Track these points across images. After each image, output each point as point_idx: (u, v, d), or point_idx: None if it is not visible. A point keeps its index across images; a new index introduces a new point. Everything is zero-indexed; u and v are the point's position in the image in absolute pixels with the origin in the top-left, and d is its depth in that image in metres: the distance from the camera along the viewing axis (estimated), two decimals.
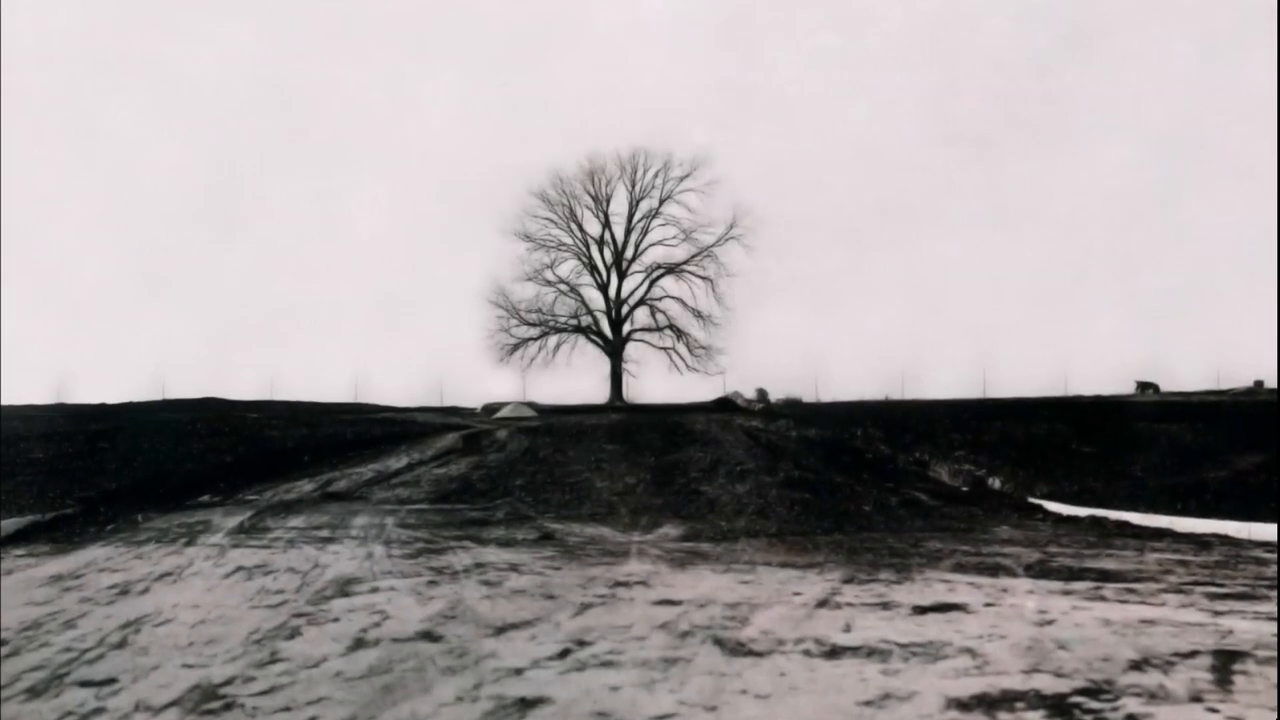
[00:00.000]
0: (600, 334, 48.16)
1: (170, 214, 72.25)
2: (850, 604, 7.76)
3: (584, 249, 48.42)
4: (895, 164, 70.93)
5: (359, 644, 6.58)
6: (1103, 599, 7.93)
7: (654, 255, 48.61)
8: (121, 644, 6.64)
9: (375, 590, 8.41)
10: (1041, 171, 68.41)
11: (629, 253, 48.30)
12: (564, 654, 6.30)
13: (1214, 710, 5.09)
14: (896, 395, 43.58)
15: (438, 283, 70.66)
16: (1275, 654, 6.06)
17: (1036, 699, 5.29)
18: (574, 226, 48.30)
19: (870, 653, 6.27)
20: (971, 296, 68.07)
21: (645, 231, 48.43)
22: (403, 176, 73.57)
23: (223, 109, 72.77)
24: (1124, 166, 67.15)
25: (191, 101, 71.34)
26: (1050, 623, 7.07)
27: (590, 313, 48.34)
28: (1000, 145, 70.17)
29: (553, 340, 48.17)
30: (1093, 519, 13.93)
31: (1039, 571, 9.40)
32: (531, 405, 37.30)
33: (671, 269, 48.22)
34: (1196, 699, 5.26)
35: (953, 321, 63.50)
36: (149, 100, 71.19)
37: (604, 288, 48.38)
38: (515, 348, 47.71)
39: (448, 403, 44.34)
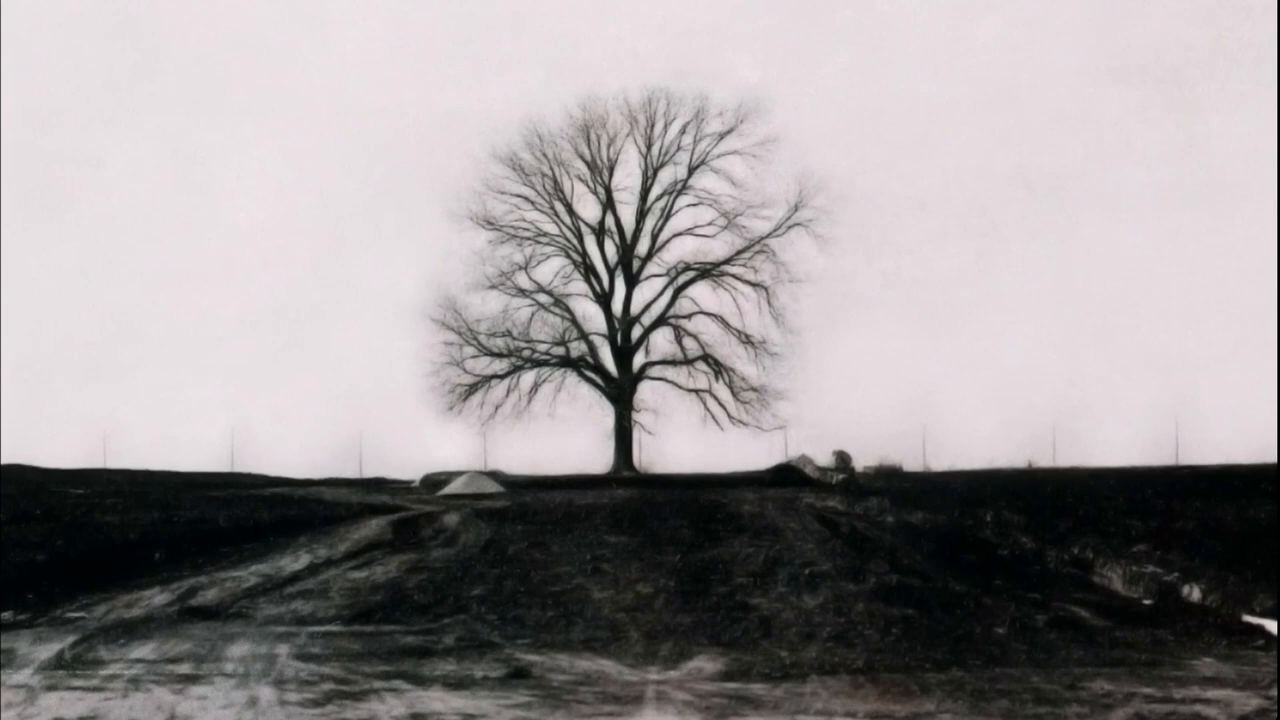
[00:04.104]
0: (599, 369, 48.34)
1: None
2: None
3: (575, 241, 48.80)
4: (1043, 115, 71.38)
5: None
6: None
7: (680, 251, 48.94)
8: None
9: None
10: (1264, 127, 68.74)
11: (643, 247, 48.56)
12: None
13: None
14: (1044, 461, 43.62)
15: (354, 291, 71.15)
16: None
17: None
18: (560, 208, 48.72)
19: None
20: (1159, 313, 68.07)
21: (667, 215, 48.76)
22: (302, 132, 74.46)
23: (34, 29, 74.01)
24: None
25: None
26: None
27: (585, 337, 48.56)
28: (1202, 87, 70.57)
29: (528, 378, 48.50)
30: None
31: None
32: (496, 476, 37.41)
33: (707, 271, 48.44)
34: None
35: (1130, 350, 63.49)
36: None
37: (605, 299, 48.62)
38: (472, 390, 48.02)
39: (369, 472, 44.58)
